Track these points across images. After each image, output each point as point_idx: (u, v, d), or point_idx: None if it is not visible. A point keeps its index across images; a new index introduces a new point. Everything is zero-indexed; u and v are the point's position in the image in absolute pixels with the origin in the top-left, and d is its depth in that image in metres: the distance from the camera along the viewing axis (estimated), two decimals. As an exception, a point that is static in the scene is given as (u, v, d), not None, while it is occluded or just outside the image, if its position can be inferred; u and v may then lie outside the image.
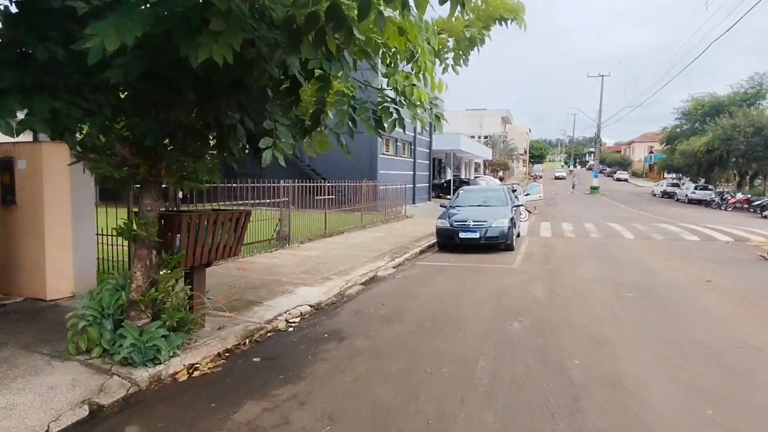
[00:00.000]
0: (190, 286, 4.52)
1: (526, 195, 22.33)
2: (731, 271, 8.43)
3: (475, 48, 4.69)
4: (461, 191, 13.08)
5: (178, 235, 4.09)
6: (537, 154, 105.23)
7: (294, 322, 5.40)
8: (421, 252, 10.88)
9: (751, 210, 25.89)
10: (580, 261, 9.49)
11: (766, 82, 36.04)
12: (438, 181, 34.83)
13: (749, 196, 27.83)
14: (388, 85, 3.75)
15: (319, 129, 4.31)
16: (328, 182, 13.00)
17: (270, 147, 3.32)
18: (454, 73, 4.91)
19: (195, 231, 4.25)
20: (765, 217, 22.17)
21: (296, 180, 12.38)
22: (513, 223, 10.98)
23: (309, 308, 5.94)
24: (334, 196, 13.66)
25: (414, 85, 3.88)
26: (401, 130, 4.03)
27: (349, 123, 3.90)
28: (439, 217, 11.24)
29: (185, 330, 4.14)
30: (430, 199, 30.18)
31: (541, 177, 61.47)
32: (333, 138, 4.49)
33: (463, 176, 43.10)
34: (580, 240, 12.87)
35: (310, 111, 4.04)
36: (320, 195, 12.70)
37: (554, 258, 9.87)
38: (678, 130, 42.69)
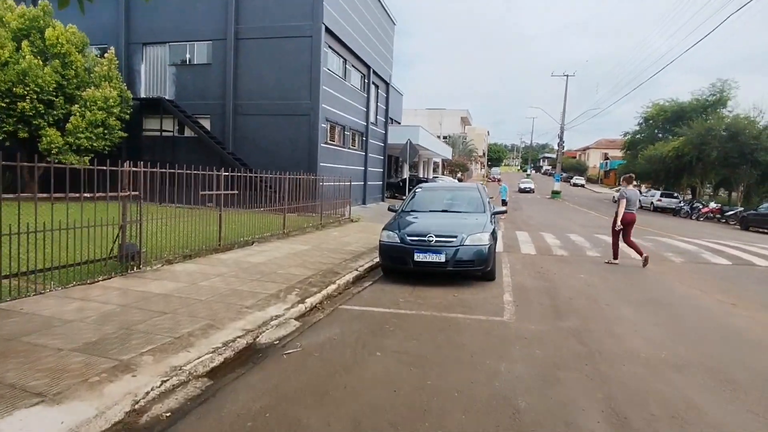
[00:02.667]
0: None
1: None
2: None
3: None
4: (419, 189, 9.14)
5: None
6: (495, 157, 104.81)
7: None
8: (357, 279, 7.01)
9: (723, 220, 24.12)
10: (607, 308, 5.90)
11: (727, 90, 35.44)
12: (394, 180, 31.19)
13: (721, 205, 26.17)
14: None
15: None
16: (226, 171, 8.80)
17: None
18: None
19: None
20: (748, 229, 20.12)
21: (214, 168, 8.39)
22: (495, 238, 7.31)
23: None
24: (237, 192, 9.48)
25: None
26: None
27: None
28: (386, 228, 7.30)
29: None
30: (383, 200, 26.42)
31: (500, 180, 57.70)
32: None
33: (421, 175, 39.78)
34: (577, 261, 9.44)
35: None
36: (209, 189, 8.48)
37: (563, 298, 6.25)
38: (639, 136, 41.53)
